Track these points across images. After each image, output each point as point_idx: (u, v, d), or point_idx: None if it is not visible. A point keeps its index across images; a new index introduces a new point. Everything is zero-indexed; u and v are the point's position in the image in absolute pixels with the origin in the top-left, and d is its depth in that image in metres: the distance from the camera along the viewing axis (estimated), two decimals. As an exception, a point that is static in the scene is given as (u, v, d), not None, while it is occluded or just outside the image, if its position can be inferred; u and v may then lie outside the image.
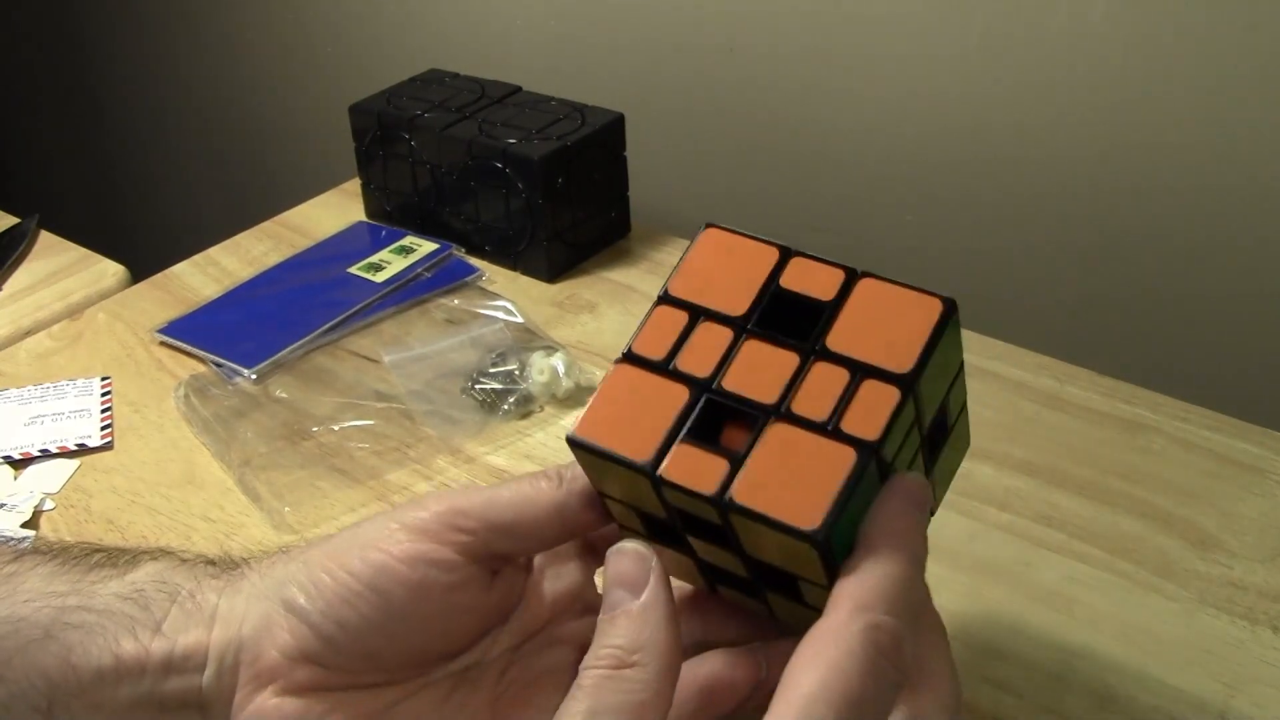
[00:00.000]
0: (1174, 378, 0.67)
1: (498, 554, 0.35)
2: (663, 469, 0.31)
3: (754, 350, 0.32)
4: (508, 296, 0.70)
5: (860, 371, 0.31)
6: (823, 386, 0.31)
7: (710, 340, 0.32)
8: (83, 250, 0.80)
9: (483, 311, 0.68)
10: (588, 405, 0.32)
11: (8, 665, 0.33)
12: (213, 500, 0.55)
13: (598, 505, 0.34)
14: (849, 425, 0.30)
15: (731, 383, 0.32)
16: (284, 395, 0.62)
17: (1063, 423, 0.58)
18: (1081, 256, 0.76)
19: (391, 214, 0.79)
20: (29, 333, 0.70)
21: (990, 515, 0.52)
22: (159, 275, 0.75)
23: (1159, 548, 0.50)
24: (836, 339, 0.32)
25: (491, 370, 0.62)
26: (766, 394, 0.31)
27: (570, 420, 0.60)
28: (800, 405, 0.31)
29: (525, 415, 0.60)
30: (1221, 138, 0.68)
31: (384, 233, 0.77)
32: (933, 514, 0.35)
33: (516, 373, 0.61)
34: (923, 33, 0.75)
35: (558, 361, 0.61)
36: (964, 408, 0.36)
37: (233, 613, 0.34)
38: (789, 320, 0.32)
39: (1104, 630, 0.46)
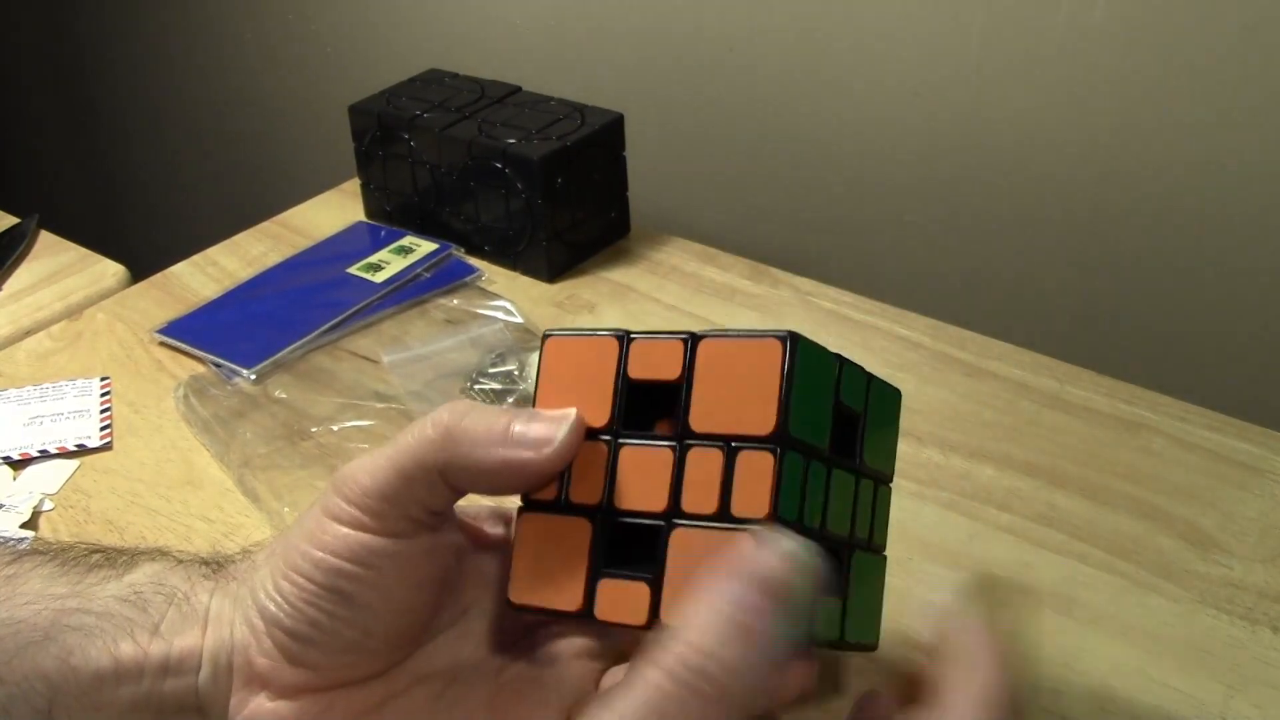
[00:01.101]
0: (1174, 378, 0.67)
1: (429, 511, 0.34)
2: (596, 611, 0.32)
3: (632, 458, 0.32)
4: (507, 297, 0.70)
5: (731, 446, 0.31)
6: (703, 475, 0.31)
7: (591, 460, 0.33)
8: (83, 250, 0.80)
9: (482, 312, 0.68)
10: (511, 564, 0.33)
11: (8, 667, 0.33)
12: (212, 501, 0.55)
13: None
14: (739, 508, 0.30)
15: (623, 500, 0.32)
16: (283, 396, 0.62)
17: (1063, 423, 0.58)
18: (1081, 257, 0.76)
19: (391, 214, 0.79)
20: (29, 333, 0.70)
21: (990, 515, 0.52)
22: (158, 275, 0.75)
23: (1159, 548, 0.50)
24: (699, 417, 0.31)
25: (491, 370, 0.62)
26: (656, 501, 0.31)
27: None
28: (690, 503, 0.31)
29: (525, 415, 0.60)
30: (1221, 139, 0.68)
31: (383, 233, 0.77)
32: (889, 483, 0.36)
33: (516, 373, 0.61)
34: (923, 33, 0.75)
35: (557, 362, 0.61)
36: (870, 379, 0.35)
37: (222, 615, 0.34)
38: (652, 405, 0.32)
39: (1104, 630, 0.46)
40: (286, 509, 0.54)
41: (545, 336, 0.34)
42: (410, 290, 0.71)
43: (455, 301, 0.70)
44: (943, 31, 0.74)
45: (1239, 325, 0.72)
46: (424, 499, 0.33)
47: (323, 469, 0.57)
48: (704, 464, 0.31)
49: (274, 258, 0.75)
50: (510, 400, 0.60)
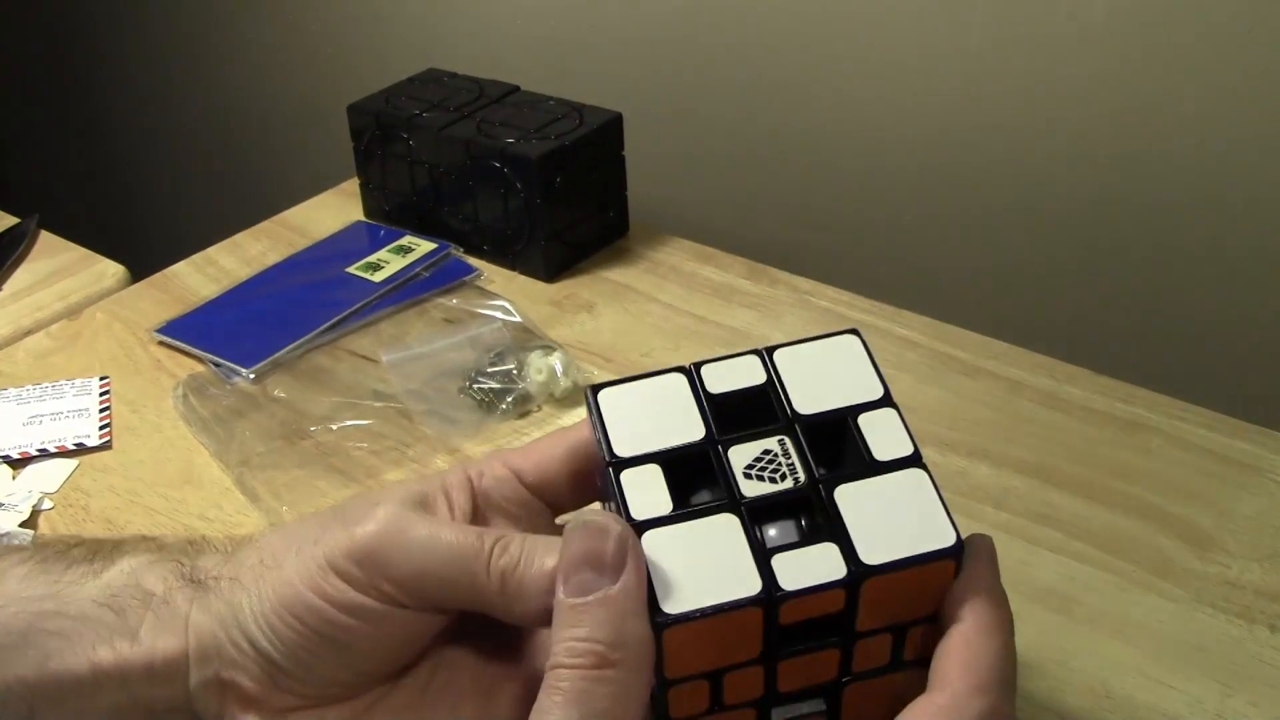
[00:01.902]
0: (1171, 377, 0.67)
1: (429, 606, 0.32)
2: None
3: (792, 662, 0.31)
4: (506, 296, 0.70)
5: (900, 626, 0.31)
6: (873, 646, 0.31)
7: (743, 680, 0.31)
8: (83, 250, 0.80)
9: (481, 311, 0.68)
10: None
11: None
12: (211, 500, 0.55)
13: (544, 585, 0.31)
14: (911, 654, 0.32)
15: (787, 685, 0.31)
16: (282, 395, 0.62)
17: (1060, 422, 0.58)
18: (1080, 256, 0.76)
19: (390, 213, 0.79)
20: (28, 332, 0.71)
21: (988, 514, 0.52)
22: (158, 275, 0.75)
23: (1156, 547, 0.50)
24: (864, 622, 0.31)
25: (489, 370, 0.62)
26: (824, 675, 0.31)
27: (568, 419, 0.60)
28: (861, 664, 0.31)
29: (523, 415, 0.60)
30: (1221, 139, 0.68)
31: (382, 232, 0.77)
32: None
33: (514, 372, 0.61)
34: (923, 33, 0.75)
35: (556, 361, 0.61)
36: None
37: (204, 629, 0.33)
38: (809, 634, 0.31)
39: (1101, 629, 0.46)
40: (285, 508, 0.54)
41: (662, 626, 0.29)
42: (409, 290, 0.71)
43: (454, 301, 0.70)
44: (942, 32, 0.74)
45: (1238, 325, 0.72)
46: (457, 598, 0.33)
47: (321, 468, 0.57)
48: (875, 643, 0.31)
49: (273, 257, 0.76)
50: (508, 399, 0.60)
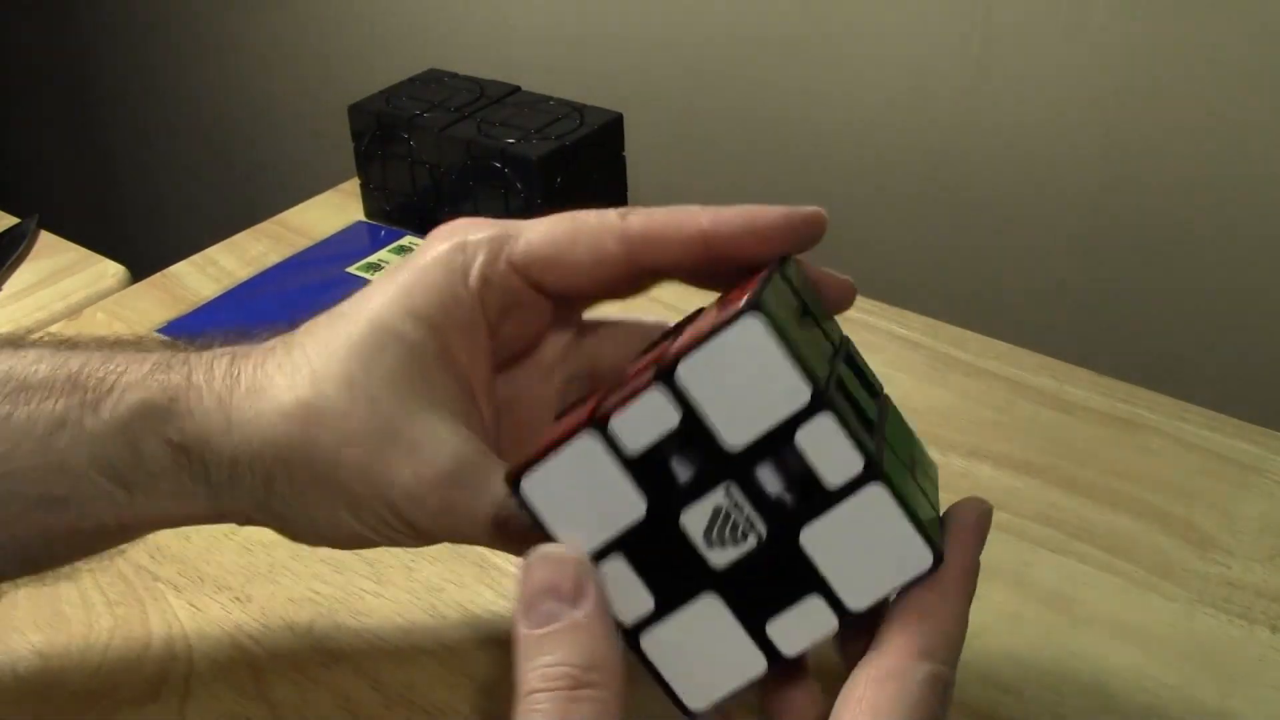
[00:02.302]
0: (1173, 377, 0.67)
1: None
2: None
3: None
4: (507, 296, 0.70)
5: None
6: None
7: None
8: (83, 250, 0.80)
9: (482, 311, 0.68)
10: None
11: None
12: (212, 500, 0.55)
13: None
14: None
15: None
16: (283, 395, 0.62)
17: (1062, 422, 0.58)
18: (1081, 256, 0.76)
19: (390, 214, 0.79)
20: (29, 332, 0.70)
21: (989, 515, 0.52)
22: (158, 275, 0.75)
23: (1157, 547, 0.50)
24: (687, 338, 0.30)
25: (490, 370, 0.62)
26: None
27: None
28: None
29: (524, 415, 0.60)
30: (1222, 138, 0.68)
31: (383, 233, 0.77)
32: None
33: (515, 372, 0.61)
34: (923, 32, 0.75)
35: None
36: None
37: (230, 508, 0.35)
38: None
39: (1102, 629, 0.46)
40: (286, 508, 0.54)
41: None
42: (410, 290, 0.71)
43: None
44: (943, 32, 0.74)
45: (1238, 325, 0.72)
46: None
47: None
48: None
49: (273, 258, 0.76)
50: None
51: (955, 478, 0.54)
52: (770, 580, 0.30)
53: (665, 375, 0.28)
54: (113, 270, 0.78)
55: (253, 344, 0.36)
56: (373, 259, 0.73)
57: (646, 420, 0.29)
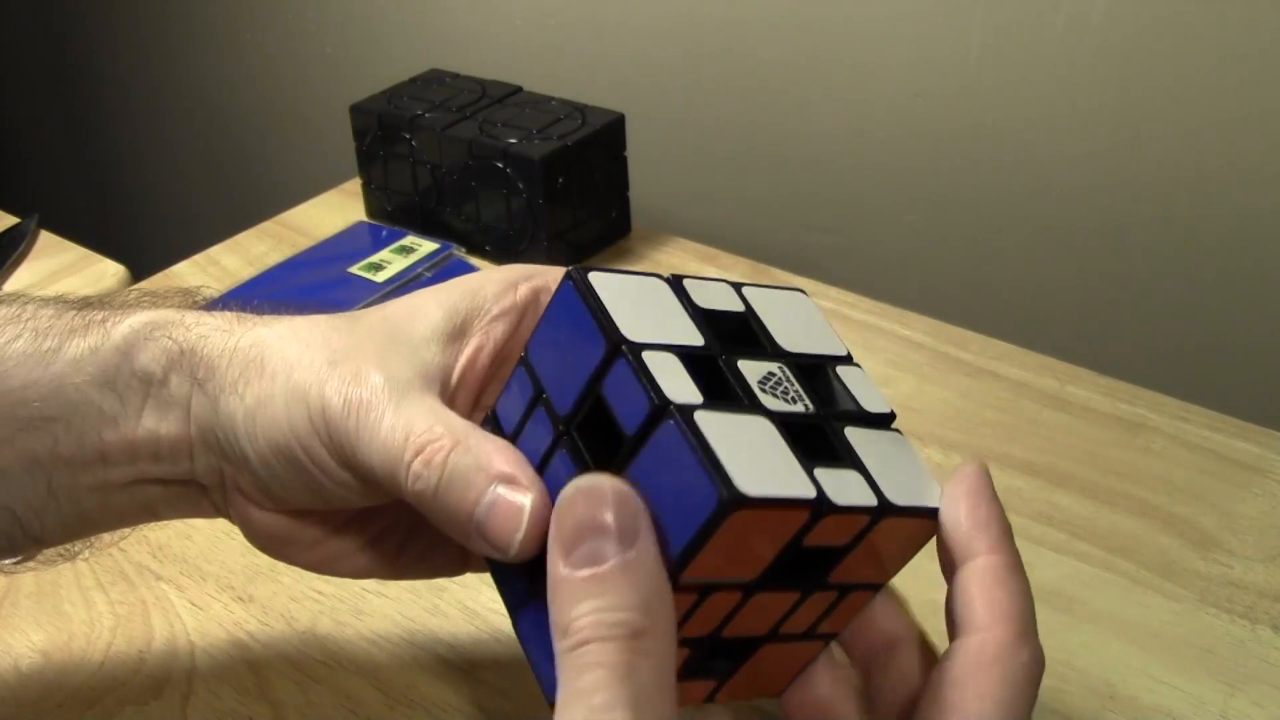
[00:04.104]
0: (1175, 378, 0.67)
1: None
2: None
3: (757, 599, 0.30)
4: (508, 296, 0.70)
5: (845, 587, 0.31)
6: (813, 607, 0.31)
7: (716, 604, 0.29)
8: (83, 250, 0.80)
9: (483, 311, 0.68)
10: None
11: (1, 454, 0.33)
12: (213, 499, 0.55)
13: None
14: (826, 628, 0.32)
15: (730, 630, 0.30)
16: (285, 395, 0.62)
17: (1064, 422, 0.58)
18: (1082, 257, 0.76)
19: (392, 214, 0.79)
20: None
21: (991, 515, 0.52)
22: (159, 275, 0.75)
23: (1159, 547, 0.50)
24: (841, 572, 0.30)
25: (492, 370, 0.62)
26: (759, 628, 0.31)
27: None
28: (788, 627, 0.31)
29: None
30: (1221, 138, 0.68)
31: (384, 232, 0.77)
32: None
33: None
34: (923, 32, 0.75)
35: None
36: None
37: (204, 423, 0.34)
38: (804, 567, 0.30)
39: (1105, 629, 0.46)
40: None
41: (732, 502, 0.26)
42: (411, 290, 0.71)
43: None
44: (943, 32, 0.74)
45: (1239, 325, 0.72)
46: None
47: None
48: (818, 601, 0.31)
49: (275, 257, 0.76)
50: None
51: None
52: (818, 439, 0.29)
53: (735, 284, 0.33)
54: (113, 270, 0.78)
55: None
56: (374, 259, 0.73)
57: (716, 295, 0.31)
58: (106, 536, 0.38)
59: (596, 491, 0.26)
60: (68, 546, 0.37)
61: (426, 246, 0.74)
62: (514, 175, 0.70)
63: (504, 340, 0.35)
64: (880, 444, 0.30)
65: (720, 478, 0.26)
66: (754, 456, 0.27)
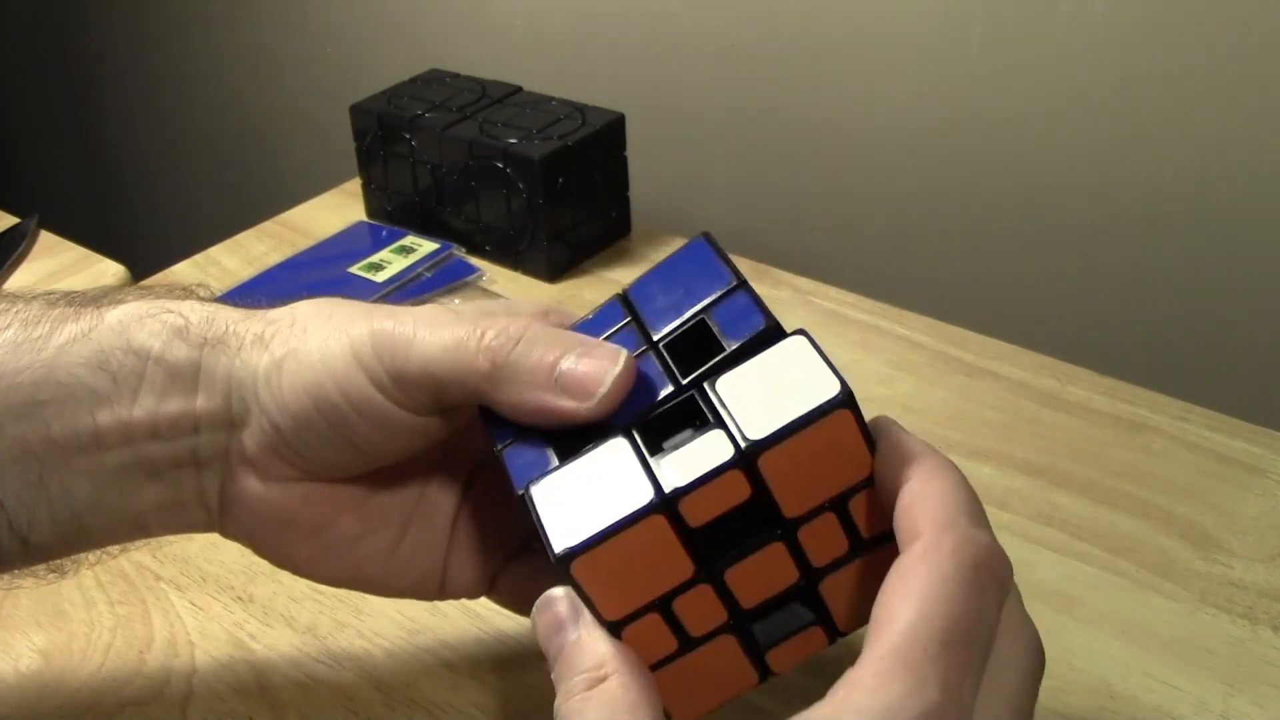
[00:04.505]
0: (1174, 378, 0.67)
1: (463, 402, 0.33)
2: (774, 669, 0.31)
3: (739, 573, 0.30)
4: (509, 296, 0.70)
5: (837, 503, 0.30)
6: (824, 533, 0.30)
7: (697, 602, 0.30)
8: (83, 250, 0.80)
9: (483, 311, 0.68)
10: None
11: None
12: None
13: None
14: (870, 530, 0.31)
15: (751, 599, 0.30)
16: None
17: (1063, 422, 0.58)
18: (1082, 257, 0.76)
19: (392, 214, 0.79)
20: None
21: (990, 514, 0.51)
22: (160, 275, 0.75)
23: (1159, 547, 0.50)
24: (789, 506, 0.29)
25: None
26: (786, 579, 0.30)
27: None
28: (820, 558, 0.30)
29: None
30: (1222, 138, 0.68)
31: (384, 232, 0.77)
32: None
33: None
34: (923, 31, 0.75)
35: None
36: None
37: (214, 386, 0.34)
38: (727, 521, 0.29)
39: (1104, 629, 0.46)
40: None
41: (564, 559, 0.28)
42: (411, 290, 0.71)
43: (456, 301, 0.70)
44: (943, 32, 0.74)
45: (1239, 325, 0.72)
46: (458, 399, 0.33)
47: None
48: (820, 528, 0.30)
49: (275, 257, 0.76)
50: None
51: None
52: (693, 411, 0.30)
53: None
54: (113, 270, 0.78)
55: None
56: (374, 259, 0.73)
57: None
58: (94, 555, 0.37)
59: (548, 602, 0.30)
60: (59, 563, 0.36)
61: (426, 246, 0.74)
62: (514, 175, 0.70)
63: None
64: (761, 372, 0.30)
65: (546, 543, 0.29)
66: (593, 497, 0.29)
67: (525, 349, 0.32)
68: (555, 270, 0.72)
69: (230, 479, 0.35)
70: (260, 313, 0.35)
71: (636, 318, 0.33)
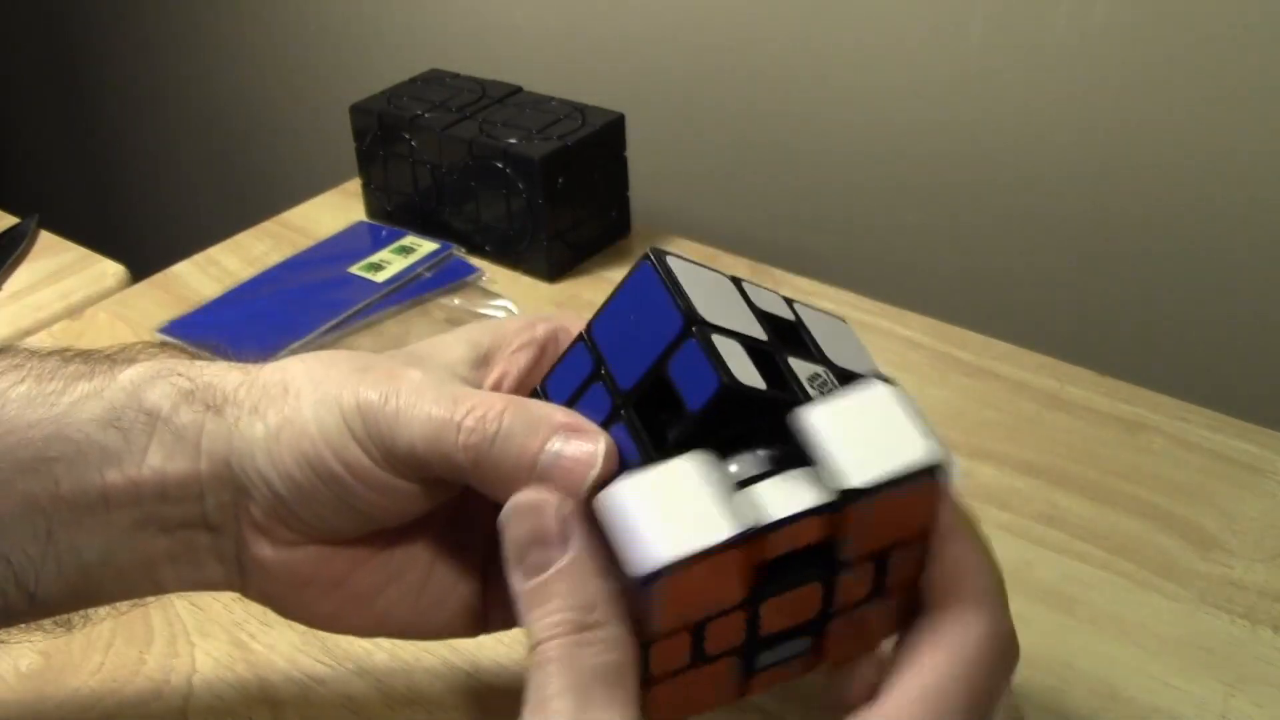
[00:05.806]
0: (1174, 378, 0.67)
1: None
2: (755, 688, 0.31)
3: (775, 604, 0.29)
4: (508, 296, 0.70)
5: (882, 554, 0.30)
6: (857, 579, 0.30)
7: (727, 625, 0.29)
8: (83, 250, 0.80)
9: (483, 311, 0.68)
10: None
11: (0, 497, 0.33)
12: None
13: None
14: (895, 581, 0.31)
15: (769, 628, 0.30)
16: (285, 395, 0.62)
17: (1063, 423, 0.58)
18: (1082, 257, 0.76)
19: (392, 214, 0.79)
20: (29, 333, 0.70)
21: (991, 515, 0.52)
22: (159, 275, 0.75)
23: (1159, 547, 0.50)
24: (850, 551, 0.29)
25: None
26: (805, 615, 0.30)
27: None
28: (842, 602, 0.30)
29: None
30: (1222, 137, 0.68)
31: (384, 232, 0.77)
32: None
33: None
34: (923, 32, 0.75)
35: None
36: None
37: (216, 454, 0.33)
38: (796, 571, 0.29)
39: (1104, 629, 0.46)
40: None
41: (656, 579, 0.27)
42: (411, 290, 0.71)
43: (456, 301, 0.70)
44: (943, 31, 0.74)
45: (1239, 325, 0.72)
46: (449, 475, 0.32)
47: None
48: (859, 573, 0.30)
49: (275, 257, 0.76)
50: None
51: (959, 479, 0.54)
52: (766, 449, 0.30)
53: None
54: (113, 270, 0.78)
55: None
56: (374, 259, 0.73)
57: (772, 300, 0.35)
58: (104, 611, 0.37)
59: (532, 506, 0.29)
60: (66, 617, 0.36)
61: (426, 246, 0.74)
62: (514, 175, 0.70)
63: (526, 369, 0.35)
64: (856, 413, 0.29)
65: (620, 557, 0.27)
66: (675, 513, 0.28)
67: (504, 444, 0.31)
68: (555, 270, 0.72)
69: (243, 544, 0.34)
70: (253, 377, 0.34)
71: (601, 364, 0.32)
